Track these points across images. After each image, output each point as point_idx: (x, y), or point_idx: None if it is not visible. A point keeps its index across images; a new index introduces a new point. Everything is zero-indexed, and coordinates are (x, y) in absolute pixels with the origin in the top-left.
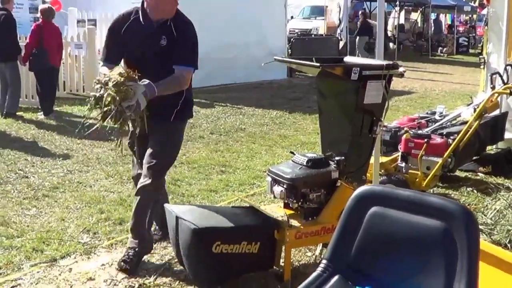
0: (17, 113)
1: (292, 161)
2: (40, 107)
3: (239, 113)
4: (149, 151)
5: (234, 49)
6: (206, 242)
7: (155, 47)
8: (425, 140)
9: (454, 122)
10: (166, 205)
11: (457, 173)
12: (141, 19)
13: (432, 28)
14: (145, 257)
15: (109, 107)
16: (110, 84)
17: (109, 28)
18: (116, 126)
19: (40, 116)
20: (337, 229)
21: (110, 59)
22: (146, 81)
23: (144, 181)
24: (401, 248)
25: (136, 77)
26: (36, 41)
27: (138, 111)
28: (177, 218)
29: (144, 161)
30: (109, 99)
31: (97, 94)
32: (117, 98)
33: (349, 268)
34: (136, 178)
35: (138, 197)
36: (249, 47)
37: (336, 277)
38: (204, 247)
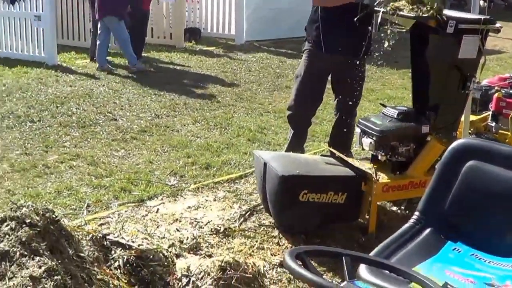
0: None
1: (383, 113)
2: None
3: None
4: None
5: None
6: (293, 189)
7: None
8: None
9: None
10: (254, 151)
11: None
12: None
13: None
14: (231, 203)
15: None
16: None
17: None
18: None
19: None
20: (431, 182)
21: None
22: None
23: None
24: (497, 205)
25: None
26: None
27: None
28: (265, 164)
29: None
30: None
31: None
32: None
33: (442, 222)
34: None
35: None
36: None
37: (428, 230)
38: (291, 195)
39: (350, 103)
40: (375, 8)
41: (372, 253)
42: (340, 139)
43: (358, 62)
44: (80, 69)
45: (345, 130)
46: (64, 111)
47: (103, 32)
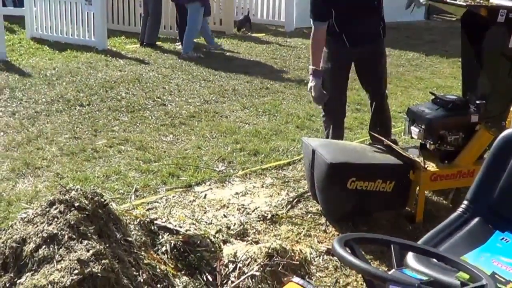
0: (156, 43)
1: (432, 102)
2: (179, 39)
3: None
4: None
5: None
6: (341, 177)
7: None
8: None
9: None
10: (303, 138)
11: None
12: None
13: None
14: (279, 189)
15: None
16: None
17: None
18: None
19: (178, 46)
20: (480, 171)
21: (324, 18)
22: None
23: None
24: None
25: None
26: None
27: None
28: (313, 151)
29: None
30: None
31: None
32: None
33: (490, 212)
34: None
35: None
36: None
37: (476, 219)
38: (339, 182)
39: (382, 86)
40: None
41: (420, 242)
42: (381, 125)
43: (379, 46)
44: (130, 54)
45: (385, 114)
46: (114, 96)
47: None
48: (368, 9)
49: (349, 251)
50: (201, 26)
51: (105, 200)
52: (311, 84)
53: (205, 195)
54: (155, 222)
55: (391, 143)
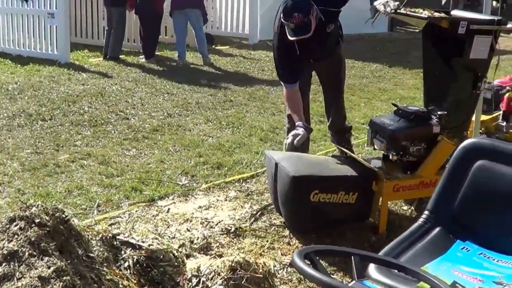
0: (119, 57)
1: (394, 113)
2: (142, 51)
3: None
4: None
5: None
6: (304, 190)
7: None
8: None
9: None
10: (266, 151)
11: None
12: None
13: None
14: (242, 202)
15: None
16: None
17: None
18: None
19: (142, 59)
20: (441, 181)
21: (295, 80)
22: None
23: None
24: (506, 204)
25: None
26: None
27: None
28: (276, 164)
29: None
30: None
31: None
32: None
33: (451, 221)
34: None
35: None
36: None
37: (437, 229)
38: (302, 195)
39: (341, 87)
40: (388, 10)
41: (381, 253)
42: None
43: (336, 55)
44: (93, 68)
45: (342, 115)
46: (76, 110)
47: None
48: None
49: (309, 264)
50: (199, 36)
51: (66, 216)
52: (298, 132)
53: (168, 209)
54: (117, 237)
55: (353, 155)
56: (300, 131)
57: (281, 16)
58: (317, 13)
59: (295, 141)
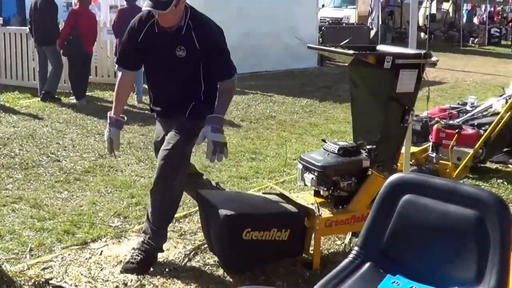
0: (55, 96)
1: (324, 149)
2: (72, 91)
3: (270, 101)
4: None
5: (265, 37)
6: (236, 228)
7: (173, 58)
8: (456, 130)
9: (485, 113)
10: (199, 190)
11: (488, 164)
12: (155, 27)
13: (464, 19)
14: (175, 243)
15: None
16: None
17: (127, 33)
18: None
19: (72, 100)
20: (369, 217)
21: (125, 65)
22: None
23: None
24: (433, 237)
25: None
26: (71, 27)
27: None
28: (208, 203)
29: None
30: None
31: None
32: None
33: (381, 256)
34: None
35: None
36: (280, 35)
37: (367, 264)
38: (234, 234)
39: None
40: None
41: None
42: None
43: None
44: (24, 109)
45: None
46: (7, 153)
47: None
48: (179, 66)
49: None
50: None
51: None
52: (105, 132)
53: (101, 251)
54: (50, 282)
55: (284, 192)
56: (106, 130)
57: None
58: (187, 7)
59: (106, 146)
